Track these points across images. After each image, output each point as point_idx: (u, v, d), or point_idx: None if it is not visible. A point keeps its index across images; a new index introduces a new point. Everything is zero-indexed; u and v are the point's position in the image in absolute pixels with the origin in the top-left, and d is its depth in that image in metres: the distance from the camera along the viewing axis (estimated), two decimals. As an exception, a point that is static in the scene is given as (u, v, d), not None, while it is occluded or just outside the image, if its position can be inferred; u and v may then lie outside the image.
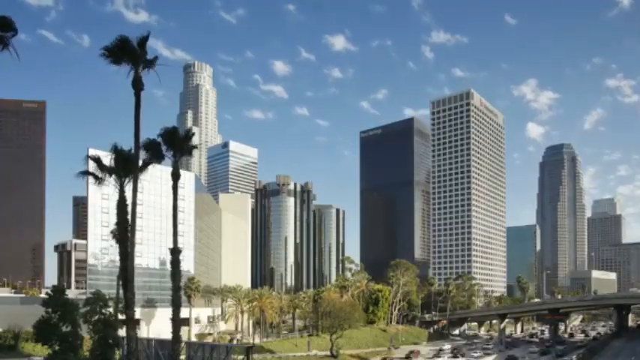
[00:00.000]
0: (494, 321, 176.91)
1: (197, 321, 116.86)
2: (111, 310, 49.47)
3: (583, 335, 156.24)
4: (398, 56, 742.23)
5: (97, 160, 33.85)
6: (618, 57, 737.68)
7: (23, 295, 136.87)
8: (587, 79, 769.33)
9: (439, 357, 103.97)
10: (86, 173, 34.37)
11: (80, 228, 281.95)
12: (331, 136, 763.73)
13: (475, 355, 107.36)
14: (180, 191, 36.72)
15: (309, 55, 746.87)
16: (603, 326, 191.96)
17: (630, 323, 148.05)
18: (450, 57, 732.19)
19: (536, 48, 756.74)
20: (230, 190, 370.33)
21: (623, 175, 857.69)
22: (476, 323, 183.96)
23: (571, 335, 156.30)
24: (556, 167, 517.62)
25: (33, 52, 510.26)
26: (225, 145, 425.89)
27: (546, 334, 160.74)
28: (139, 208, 32.73)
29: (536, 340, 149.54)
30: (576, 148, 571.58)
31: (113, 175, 33.22)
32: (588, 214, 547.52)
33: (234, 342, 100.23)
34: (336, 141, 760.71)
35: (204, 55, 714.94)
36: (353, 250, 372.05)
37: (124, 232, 32.39)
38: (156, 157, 34.03)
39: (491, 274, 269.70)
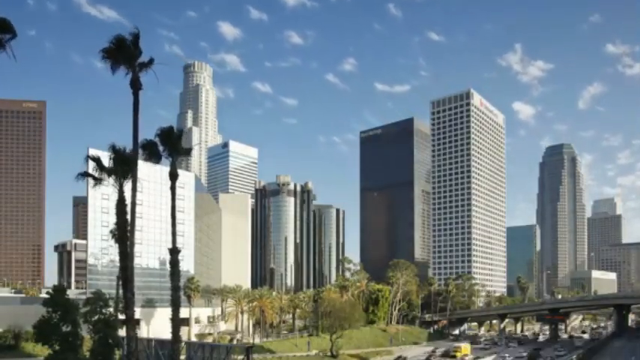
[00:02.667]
0: (494, 321, 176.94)
1: (197, 321, 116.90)
2: (111, 310, 49.58)
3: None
4: (361, 16, 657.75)
5: (97, 161, 33.90)
6: (616, 17, 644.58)
7: (23, 295, 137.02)
8: (584, 43, 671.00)
9: None
10: (85, 175, 34.41)
11: (80, 228, 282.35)
12: (301, 117, 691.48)
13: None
14: (180, 191, 36.84)
15: (261, 15, 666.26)
16: (603, 327, 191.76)
17: (630, 323, 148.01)
18: (422, 15, 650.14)
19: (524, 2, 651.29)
20: (230, 190, 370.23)
21: (623, 163, 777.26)
22: (476, 323, 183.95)
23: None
24: (556, 167, 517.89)
25: (33, 52, 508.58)
26: (225, 145, 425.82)
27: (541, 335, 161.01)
28: (138, 208, 32.80)
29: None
30: (571, 131, 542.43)
31: (112, 175, 33.27)
32: (588, 214, 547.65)
33: (234, 342, 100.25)
34: (308, 124, 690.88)
35: (138, 16, 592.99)
36: (353, 250, 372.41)
37: (124, 232, 32.43)
38: (153, 157, 34.09)
39: (491, 274, 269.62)
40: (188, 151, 36.67)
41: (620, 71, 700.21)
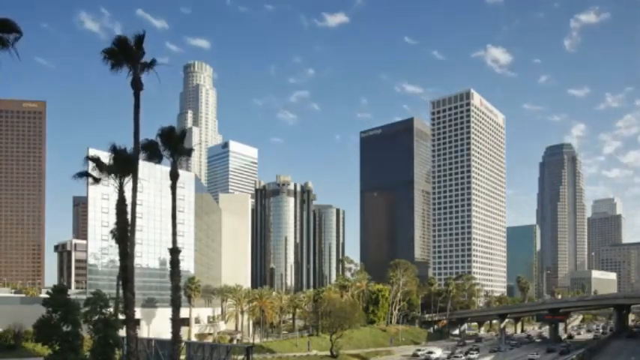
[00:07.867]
0: (494, 321, 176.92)
1: (197, 321, 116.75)
2: (111, 310, 49.59)
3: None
4: None
5: (97, 161, 33.90)
6: None
7: (23, 295, 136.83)
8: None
9: None
10: (84, 174, 34.39)
11: (80, 228, 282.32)
12: (221, 70, 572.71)
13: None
14: (180, 191, 36.83)
15: None
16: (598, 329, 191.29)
17: (630, 323, 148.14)
18: None
19: None
20: (230, 190, 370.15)
21: (624, 134, 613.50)
22: (476, 323, 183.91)
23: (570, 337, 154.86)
24: (556, 167, 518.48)
25: (32, 51, 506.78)
26: (225, 145, 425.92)
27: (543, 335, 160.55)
28: (138, 208, 32.78)
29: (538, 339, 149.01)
30: (560, 89, 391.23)
31: (112, 175, 33.26)
32: (588, 214, 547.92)
33: (234, 342, 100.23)
34: (233, 83, 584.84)
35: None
36: (353, 250, 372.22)
37: (124, 232, 32.41)
38: (154, 157, 34.10)
39: (491, 274, 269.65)
40: (189, 151, 36.67)
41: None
